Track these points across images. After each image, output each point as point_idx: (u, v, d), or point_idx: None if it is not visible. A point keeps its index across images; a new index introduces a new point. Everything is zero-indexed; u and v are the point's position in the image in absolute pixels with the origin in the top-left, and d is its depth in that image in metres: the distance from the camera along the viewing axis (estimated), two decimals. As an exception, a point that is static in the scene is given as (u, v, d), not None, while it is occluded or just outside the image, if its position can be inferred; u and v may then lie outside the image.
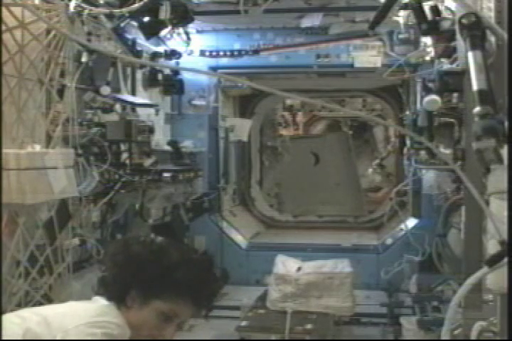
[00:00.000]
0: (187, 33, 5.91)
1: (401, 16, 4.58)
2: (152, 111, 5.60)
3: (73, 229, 3.87)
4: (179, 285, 1.88)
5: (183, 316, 1.93)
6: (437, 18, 3.17)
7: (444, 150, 3.59)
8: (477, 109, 1.69)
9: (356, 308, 4.95)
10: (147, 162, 4.84)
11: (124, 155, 4.59)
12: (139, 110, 5.11)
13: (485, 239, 2.16)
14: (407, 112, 5.67)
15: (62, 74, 3.79)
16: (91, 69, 4.16)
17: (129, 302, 1.86)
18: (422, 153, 4.40)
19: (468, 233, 2.76)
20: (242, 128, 7.04)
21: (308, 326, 4.46)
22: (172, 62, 5.81)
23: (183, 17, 4.53)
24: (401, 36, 5.14)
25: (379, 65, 5.92)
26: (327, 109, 10.04)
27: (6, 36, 3.22)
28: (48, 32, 3.51)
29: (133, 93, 5.18)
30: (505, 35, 1.99)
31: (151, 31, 4.59)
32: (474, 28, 1.98)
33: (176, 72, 5.88)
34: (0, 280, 1.77)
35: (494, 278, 1.76)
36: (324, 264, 4.95)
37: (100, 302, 1.86)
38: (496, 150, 1.58)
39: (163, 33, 5.01)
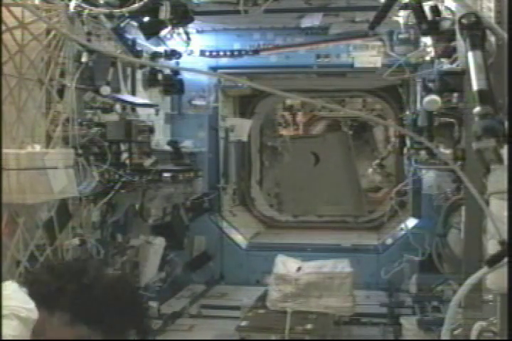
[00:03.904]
0: (187, 33, 5.91)
1: (401, 16, 4.57)
2: (152, 111, 5.60)
3: (73, 229, 3.87)
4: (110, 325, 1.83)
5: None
6: (437, 18, 3.17)
7: (444, 150, 3.59)
8: (477, 109, 1.69)
9: (356, 308, 4.95)
10: (147, 162, 4.84)
11: (124, 155, 4.59)
12: (139, 110, 5.11)
13: (485, 239, 2.16)
14: (407, 112, 5.68)
15: (62, 74, 3.79)
16: (91, 69, 4.16)
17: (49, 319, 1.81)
18: (422, 153, 4.40)
19: (468, 233, 2.76)
20: (242, 128, 7.04)
21: (308, 326, 4.46)
22: (172, 62, 5.81)
23: (183, 17, 4.53)
24: (401, 36, 5.14)
25: (379, 65, 5.92)
26: (327, 109, 10.03)
27: (6, 36, 3.22)
28: (48, 32, 3.51)
29: (133, 93, 5.18)
30: (505, 35, 1.99)
31: (151, 31, 4.59)
32: (474, 28, 1.98)
33: (175, 72, 5.88)
34: (0, 280, 1.77)
35: (494, 278, 1.76)
36: (324, 264, 4.95)
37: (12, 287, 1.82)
38: (496, 150, 1.58)
39: (163, 33, 5.02)
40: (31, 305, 1.78)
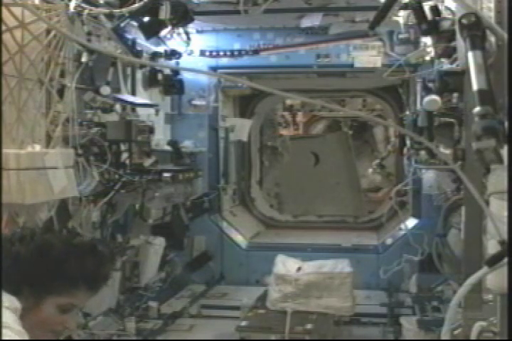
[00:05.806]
0: (187, 33, 5.91)
1: (401, 16, 4.57)
2: (152, 111, 5.60)
3: (73, 229, 3.87)
4: (70, 276, 1.84)
5: (81, 304, 1.91)
6: (437, 18, 3.17)
7: (444, 150, 3.59)
8: (477, 109, 1.68)
9: (356, 308, 4.95)
10: (147, 162, 4.84)
11: (124, 155, 4.59)
12: (139, 110, 5.11)
13: (485, 239, 2.16)
14: (407, 112, 5.68)
15: (62, 74, 3.79)
16: (91, 69, 4.16)
17: (23, 303, 1.77)
18: (422, 153, 4.40)
19: (468, 233, 2.76)
20: (242, 128, 7.04)
21: (308, 326, 4.46)
22: (172, 62, 5.81)
23: (183, 17, 4.53)
24: (401, 36, 5.13)
25: (379, 65, 5.92)
26: (327, 109, 10.03)
27: (6, 36, 3.22)
28: (48, 32, 3.51)
29: (133, 93, 5.18)
30: (505, 35, 1.99)
31: (151, 31, 4.59)
32: (474, 28, 1.98)
33: (176, 72, 5.88)
34: (0, 280, 1.76)
35: (494, 278, 1.76)
36: (324, 264, 4.95)
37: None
38: (496, 150, 1.58)
39: (163, 33, 5.01)
40: (11, 296, 1.75)
